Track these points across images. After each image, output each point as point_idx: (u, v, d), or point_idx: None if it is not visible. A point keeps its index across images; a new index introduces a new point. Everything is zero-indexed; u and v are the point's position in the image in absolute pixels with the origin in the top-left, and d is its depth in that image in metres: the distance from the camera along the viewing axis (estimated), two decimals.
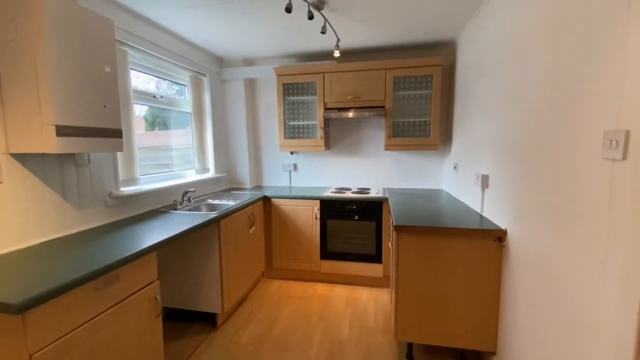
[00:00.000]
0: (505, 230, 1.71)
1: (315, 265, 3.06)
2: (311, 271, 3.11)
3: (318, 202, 2.99)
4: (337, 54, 2.74)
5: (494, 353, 1.83)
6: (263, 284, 3.10)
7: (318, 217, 3.00)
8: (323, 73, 3.06)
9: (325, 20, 2.24)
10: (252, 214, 2.81)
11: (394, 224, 1.88)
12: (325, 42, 2.83)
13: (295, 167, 3.61)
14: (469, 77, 2.47)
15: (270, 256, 3.16)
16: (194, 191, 2.69)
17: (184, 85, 2.99)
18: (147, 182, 2.46)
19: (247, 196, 2.98)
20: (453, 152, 2.92)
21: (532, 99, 1.44)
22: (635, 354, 0.84)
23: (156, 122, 2.80)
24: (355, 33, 2.64)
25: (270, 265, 3.19)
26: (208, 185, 3.17)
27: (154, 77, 2.65)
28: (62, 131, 1.42)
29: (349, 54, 3.21)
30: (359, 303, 2.71)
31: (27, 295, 1.03)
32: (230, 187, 3.56)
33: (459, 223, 1.87)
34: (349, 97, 3.03)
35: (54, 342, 1.11)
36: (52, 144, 1.40)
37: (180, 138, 3.01)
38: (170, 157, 2.87)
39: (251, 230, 2.81)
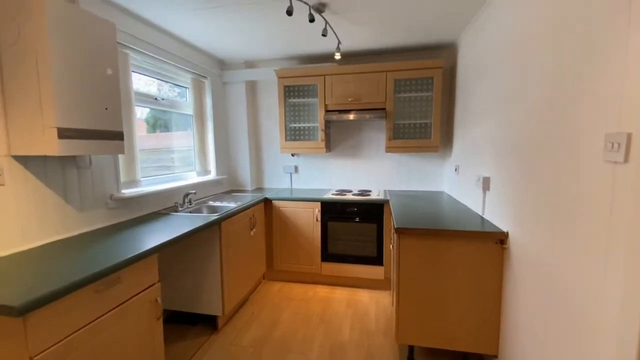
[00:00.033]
0: (507, 232, 1.70)
1: (316, 267, 3.06)
2: (312, 273, 3.11)
3: (319, 204, 2.98)
4: (338, 56, 2.75)
5: (495, 356, 1.82)
6: (264, 286, 3.10)
7: (319, 219, 3.00)
8: (324, 75, 3.07)
9: (326, 22, 2.25)
10: (253, 216, 2.81)
11: (395, 226, 1.88)
12: (326, 45, 2.84)
13: (296, 169, 3.61)
14: (469, 79, 2.47)
15: (271, 258, 3.16)
16: (195, 193, 2.69)
17: (186, 87, 3.00)
18: (149, 184, 2.46)
19: (248, 198, 2.98)
20: (454, 154, 2.92)
21: (532, 99, 1.44)
22: (639, 355, 0.84)
23: (157, 124, 2.81)
24: (356, 35, 2.65)
25: (271, 267, 3.18)
26: (209, 187, 3.17)
27: (155, 80, 2.65)
28: (63, 133, 1.42)
29: (350, 57, 3.21)
30: (360, 305, 2.71)
31: (28, 297, 1.03)
32: (231, 189, 3.56)
33: (460, 225, 1.87)
34: (349, 99, 3.04)
35: (55, 344, 1.11)
36: (53, 147, 1.41)
37: (182, 140, 3.01)
38: (172, 159, 2.88)
39: (252, 232, 2.81)
